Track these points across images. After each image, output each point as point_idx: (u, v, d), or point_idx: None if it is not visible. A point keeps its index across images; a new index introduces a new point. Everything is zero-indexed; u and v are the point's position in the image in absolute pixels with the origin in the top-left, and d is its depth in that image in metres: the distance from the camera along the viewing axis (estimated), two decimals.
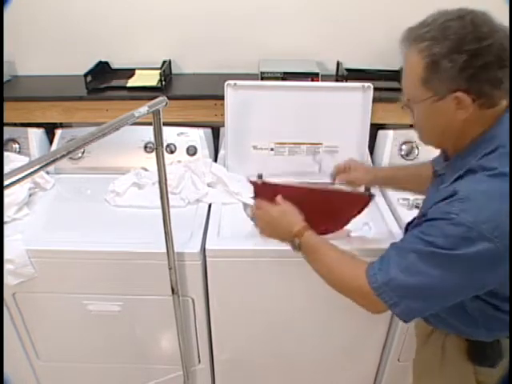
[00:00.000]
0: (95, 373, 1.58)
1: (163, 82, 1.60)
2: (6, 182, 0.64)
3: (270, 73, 1.56)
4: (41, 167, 0.71)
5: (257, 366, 1.55)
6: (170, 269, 1.18)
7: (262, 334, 1.43)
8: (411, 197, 1.44)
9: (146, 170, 1.54)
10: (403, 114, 1.60)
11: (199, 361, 1.50)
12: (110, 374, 1.59)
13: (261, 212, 1.08)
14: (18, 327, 1.41)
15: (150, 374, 1.57)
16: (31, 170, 0.69)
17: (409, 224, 1.04)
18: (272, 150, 1.53)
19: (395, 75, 1.70)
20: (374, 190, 1.24)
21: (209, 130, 1.66)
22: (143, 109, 0.96)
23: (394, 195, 1.48)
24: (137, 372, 1.57)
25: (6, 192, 0.61)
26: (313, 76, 1.57)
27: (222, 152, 1.61)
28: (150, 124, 1.52)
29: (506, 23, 0.79)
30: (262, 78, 1.56)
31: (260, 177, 1.27)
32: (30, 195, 1.47)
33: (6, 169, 1.43)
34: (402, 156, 1.62)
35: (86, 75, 1.60)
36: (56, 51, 1.75)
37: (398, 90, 1.61)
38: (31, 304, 1.36)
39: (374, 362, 1.55)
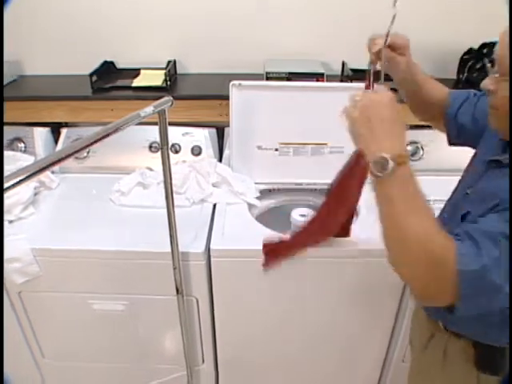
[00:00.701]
0: (99, 371, 1.59)
1: (168, 82, 1.61)
2: (12, 182, 0.65)
3: (275, 73, 1.56)
4: (47, 166, 0.72)
5: (260, 367, 1.55)
6: (174, 268, 1.19)
7: (265, 335, 1.43)
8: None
9: (150, 169, 1.55)
10: (408, 114, 1.61)
11: (203, 361, 1.50)
12: (113, 373, 1.59)
13: (366, 96, 0.81)
14: (24, 326, 1.41)
15: (154, 373, 1.57)
16: (37, 169, 0.69)
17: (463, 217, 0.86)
18: (277, 150, 1.53)
19: None
20: None
21: (213, 130, 1.66)
22: (149, 109, 0.96)
23: None
24: (140, 371, 1.57)
25: (12, 191, 0.62)
26: (318, 76, 1.57)
27: (226, 152, 1.61)
28: (155, 124, 1.52)
29: (506, 23, 0.79)
30: (267, 78, 1.56)
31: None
32: (35, 194, 1.48)
33: (12, 168, 1.43)
34: None
35: (91, 75, 1.61)
36: (62, 51, 1.76)
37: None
38: (37, 303, 1.37)
39: (378, 362, 1.55)
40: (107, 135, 0.86)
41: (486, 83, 0.79)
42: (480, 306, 0.73)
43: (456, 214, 0.88)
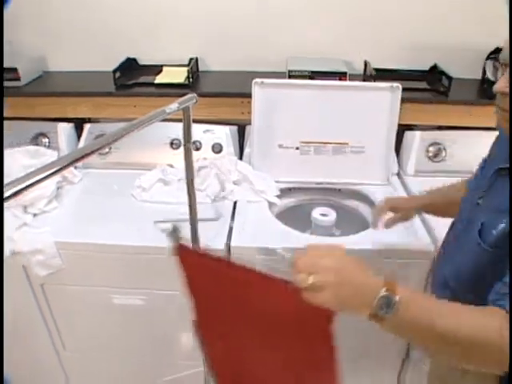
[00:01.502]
0: (118, 364, 1.60)
1: (190, 79, 1.61)
2: (41, 176, 0.66)
3: (298, 71, 1.55)
4: (74, 161, 0.73)
5: None
6: None
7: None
8: None
9: (171, 166, 1.56)
10: (432, 116, 1.60)
11: None
12: (132, 367, 1.61)
13: (319, 264, 0.65)
14: (46, 318, 1.44)
15: (171, 368, 1.58)
16: (66, 163, 0.70)
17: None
18: (297, 148, 1.53)
19: (424, 75, 1.69)
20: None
21: (234, 128, 1.66)
22: (174, 105, 0.96)
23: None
24: (158, 366, 1.58)
25: (37, 185, 0.63)
26: (341, 75, 1.56)
27: (247, 150, 1.61)
28: (176, 121, 1.53)
29: (506, 23, 0.78)
30: (290, 77, 1.55)
31: (175, 231, 0.84)
32: (58, 189, 1.50)
33: (37, 162, 1.46)
34: (429, 158, 1.60)
35: (114, 71, 1.62)
36: (85, 48, 1.78)
37: (427, 90, 1.61)
38: (59, 295, 1.39)
39: (396, 366, 1.54)
40: (133, 131, 0.86)
41: (501, 86, 0.75)
42: None
43: (470, 226, 0.85)
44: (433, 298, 0.70)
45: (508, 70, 0.74)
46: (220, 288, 0.81)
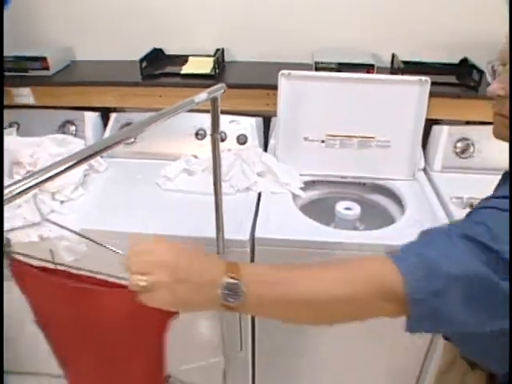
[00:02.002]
0: None
1: (216, 70, 1.61)
2: (70, 164, 0.66)
3: (325, 63, 1.54)
4: (102, 150, 0.73)
5: (297, 360, 1.55)
6: (218, 254, 1.19)
7: (305, 328, 1.43)
8: (465, 195, 1.40)
9: (195, 157, 1.56)
10: (460, 110, 1.57)
11: (241, 348, 1.51)
12: None
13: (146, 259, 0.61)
14: None
15: (191, 357, 1.59)
16: (92, 153, 0.70)
17: None
18: (323, 142, 1.52)
19: (454, 69, 1.66)
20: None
21: (260, 119, 1.65)
22: (203, 95, 0.96)
23: (447, 192, 1.44)
24: (178, 354, 1.60)
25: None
26: (368, 68, 1.54)
27: (272, 142, 1.61)
28: (201, 111, 1.54)
29: (506, 23, 0.75)
30: (316, 69, 1.54)
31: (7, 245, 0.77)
32: (85, 176, 1.52)
33: (64, 151, 1.48)
34: (456, 154, 1.57)
35: (141, 61, 1.63)
36: (112, 37, 1.80)
37: (457, 84, 1.58)
38: None
39: (414, 373, 1.52)
40: (161, 120, 0.86)
41: (494, 88, 0.70)
42: None
43: None
44: (283, 267, 0.64)
45: (503, 71, 0.70)
46: (59, 302, 0.80)
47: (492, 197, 0.68)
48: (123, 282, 0.66)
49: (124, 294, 0.63)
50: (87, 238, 0.77)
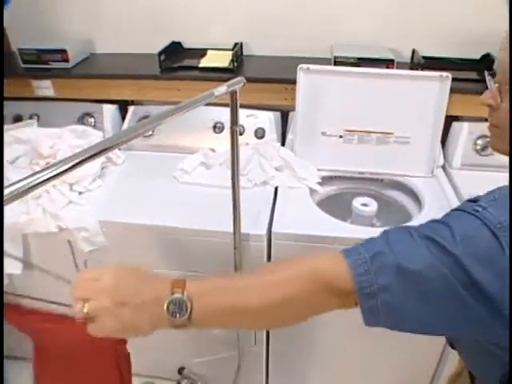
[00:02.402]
0: (151, 343, 1.63)
1: (235, 64, 1.61)
2: (90, 154, 0.67)
3: (344, 58, 1.53)
4: (121, 142, 0.73)
5: (312, 355, 1.55)
6: (235, 248, 1.20)
7: (319, 324, 1.42)
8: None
9: (213, 150, 1.56)
10: (481, 107, 1.54)
11: (255, 342, 1.51)
12: (164, 346, 1.64)
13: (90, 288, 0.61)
14: None
15: (205, 350, 1.60)
16: (111, 145, 0.70)
17: None
18: (341, 137, 1.51)
19: (475, 65, 1.63)
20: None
21: (278, 114, 1.65)
22: (222, 88, 0.96)
23: (466, 190, 1.42)
24: (194, 347, 1.61)
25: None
26: (388, 63, 1.52)
27: (289, 137, 1.60)
28: (219, 105, 1.54)
29: (506, 23, 0.73)
30: (335, 63, 1.53)
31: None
32: (103, 168, 1.53)
33: (83, 142, 1.49)
34: (476, 151, 1.54)
35: (160, 54, 1.63)
36: (131, 30, 1.80)
37: (478, 80, 1.56)
38: None
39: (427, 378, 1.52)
40: (180, 113, 0.86)
41: (487, 97, 0.70)
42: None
43: None
44: (225, 277, 0.65)
45: (495, 85, 0.69)
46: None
47: (468, 200, 0.65)
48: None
49: (74, 325, 0.61)
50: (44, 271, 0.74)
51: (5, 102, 1.74)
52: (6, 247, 1.34)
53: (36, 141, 1.44)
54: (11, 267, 1.35)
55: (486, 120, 1.60)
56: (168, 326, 0.59)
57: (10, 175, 1.37)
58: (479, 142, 1.54)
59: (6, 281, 1.48)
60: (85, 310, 0.58)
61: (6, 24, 1.85)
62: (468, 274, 0.55)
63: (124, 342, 0.75)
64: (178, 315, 0.58)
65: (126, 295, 0.59)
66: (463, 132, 1.55)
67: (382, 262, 0.59)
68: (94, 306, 0.58)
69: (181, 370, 1.69)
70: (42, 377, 0.88)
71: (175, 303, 0.58)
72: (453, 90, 1.44)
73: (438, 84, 1.43)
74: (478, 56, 1.63)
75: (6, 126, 1.67)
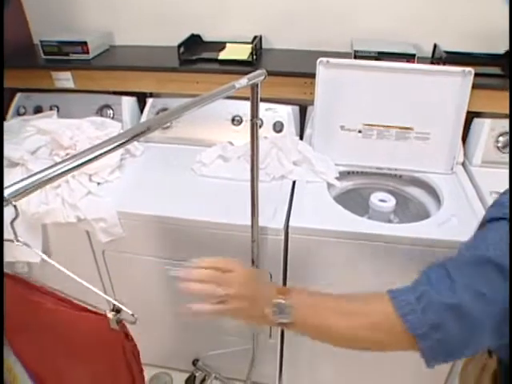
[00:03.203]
0: (167, 334, 1.65)
1: (254, 57, 1.60)
2: (110, 146, 0.67)
3: (364, 52, 1.51)
4: (140, 133, 0.73)
5: (326, 349, 1.54)
6: (253, 241, 1.20)
7: None
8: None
9: (231, 143, 1.56)
10: (504, 103, 1.51)
11: (270, 336, 1.52)
12: (179, 338, 1.65)
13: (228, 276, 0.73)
14: (104, 282, 1.50)
15: (221, 342, 1.61)
16: (130, 136, 0.71)
17: None
18: (360, 132, 1.49)
19: (498, 60, 1.60)
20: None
21: (296, 108, 1.64)
22: (243, 80, 0.96)
23: (486, 188, 1.40)
24: (208, 339, 1.62)
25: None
26: (409, 57, 1.50)
27: (308, 131, 1.59)
28: (237, 98, 1.54)
29: (503, 25, 0.71)
30: (356, 57, 1.51)
31: None
32: (121, 160, 1.54)
33: (102, 134, 1.50)
34: (498, 148, 1.52)
35: (179, 46, 1.64)
36: (151, 23, 1.81)
37: (501, 76, 1.53)
38: (118, 262, 1.44)
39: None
40: (201, 105, 0.86)
41: None
42: None
43: None
44: (323, 297, 0.74)
45: None
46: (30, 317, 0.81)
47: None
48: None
49: (87, 318, 0.71)
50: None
51: (26, 94, 1.77)
52: (25, 236, 1.36)
53: (56, 132, 1.46)
54: (30, 256, 1.37)
55: (507, 116, 1.58)
56: (270, 323, 0.72)
57: (31, 166, 1.39)
58: (501, 139, 1.52)
59: (24, 269, 1.51)
60: (222, 292, 0.70)
61: (28, 17, 1.88)
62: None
63: (127, 338, 0.76)
64: (278, 317, 0.70)
65: (249, 291, 0.73)
66: (485, 128, 1.53)
67: (426, 303, 0.63)
68: (229, 292, 0.71)
69: (195, 362, 1.71)
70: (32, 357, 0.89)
71: (277, 307, 0.70)
72: (475, 86, 1.41)
73: (459, 79, 1.41)
74: (501, 51, 1.60)
75: (26, 117, 1.69)
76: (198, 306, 0.72)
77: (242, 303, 0.71)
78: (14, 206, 0.53)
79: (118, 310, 0.73)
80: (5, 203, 0.51)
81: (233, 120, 1.60)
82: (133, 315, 0.72)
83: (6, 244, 0.68)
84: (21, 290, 0.78)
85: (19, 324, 0.82)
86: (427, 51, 1.66)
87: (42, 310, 0.77)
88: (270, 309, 0.70)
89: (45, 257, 0.78)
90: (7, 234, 0.67)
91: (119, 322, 0.74)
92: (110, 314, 0.73)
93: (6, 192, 0.52)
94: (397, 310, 0.64)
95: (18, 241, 0.69)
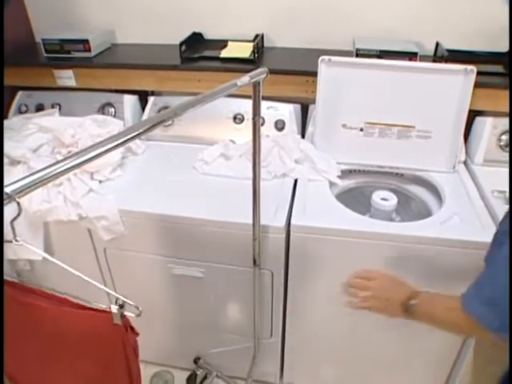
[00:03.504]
0: (168, 332, 1.65)
1: (256, 55, 1.60)
2: (117, 142, 0.67)
3: (366, 50, 1.51)
4: (143, 131, 0.73)
5: (327, 348, 1.55)
6: (254, 240, 1.20)
7: (336, 317, 1.42)
8: (507, 189, 1.35)
9: (233, 142, 1.56)
10: (507, 102, 1.51)
11: (271, 334, 1.52)
12: (181, 336, 1.66)
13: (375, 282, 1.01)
14: (106, 280, 1.50)
15: (222, 341, 1.61)
16: (132, 134, 0.71)
17: None
18: (362, 130, 1.49)
19: (501, 58, 1.59)
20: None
21: (298, 106, 1.64)
22: (245, 78, 0.96)
23: (488, 186, 1.40)
24: (209, 337, 1.62)
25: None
26: (411, 56, 1.50)
27: (309, 129, 1.59)
28: (239, 96, 1.54)
29: (506, 23, 0.71)
30: (358, 55, 1.51)
31: None
32: (123, 158, 1.54)
33: (104, 131, 1.50)
34: (500, 147, 1.51)
35: (181, 44, 1.64)
36: (152, 21, 1.81)
37: (503, 74, 1.52)
38: (119, 260, 1.44)
39: (449, 360, 1.50)
40: (204, 102, 0.86)
41: None
42: None
43: None
44: (440, 296, 0.91)
45: None
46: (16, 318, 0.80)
47: None
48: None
49: (80, 314, 0.73)
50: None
51: (28, 92, 1.77)
52: (27, 234, 1.36)
53: (58, 130, 1.46)
54: (31, 253, 1.38)
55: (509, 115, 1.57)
56: (398, 317, 0.94)
57: (32, 164, 1.40)
58: (503, 137, 1.51)
59: (26, 267, 1.51)
60: (362, 295, 1.00)
61: (30, 15, 1.88)
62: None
63: (132, 331, 0.77)
64: (405, 314, 0.92)
65: (387, 293, 0.98)
66: (487, 127, 1.52)
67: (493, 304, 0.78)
68: (366, 295, 0.99)
69: (196, 360, 1.71)
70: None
71: (406, 306, 0.91)
72: (477, 84, 1.41)
73: (462, 77, 1.41)
74: (503, 49, 1.60)
75: (28, 115, 1.69)
76: (349, 300, 1.02)
77: (378, 303, 0.98)
78: (18, 203, 0.53)
79: (121, 305, 0.73)
80: (8, 199, 0.51)
81: (234, 118, 1.60)
82: (137, 308, 0.73)
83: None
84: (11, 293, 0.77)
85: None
86: (429, 49, 1.66)
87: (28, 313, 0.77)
88: (401, 308, 0.92)
89: (45, 255, 0.78)
90: (8, 232, 0.67)
91: (123, 316, 0.73)
92: (114, 309, 0.73)
93: (10, 188, 0.52)
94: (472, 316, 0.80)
95: (16, 240, 0.69)
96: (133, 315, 0.77)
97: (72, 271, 0.73)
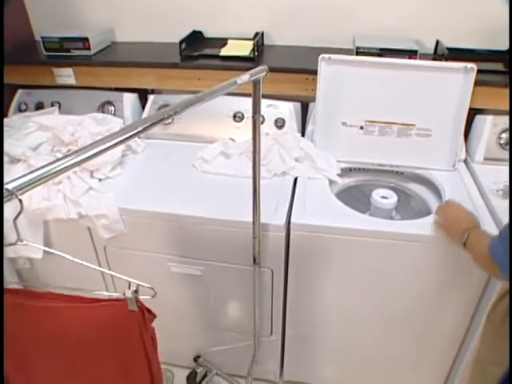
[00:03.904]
0: (167, 330, 1.65)
1: (256, 53, 1.60)
2: (117, 140, 0.67)
3: (366, 48, 1.50)
4: (143, 129, 0.73)
5: (327, 346, 1.55)
6: (254, 238, 1.20)
7: (335, 315, 1.43)
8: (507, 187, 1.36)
9: (233, 140, 1.56)
10: (507, 100, 1.51)
11: (271, 333, 1.52)
12: (181, 334, 1.66)
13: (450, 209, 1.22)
14: (106, 278, 1.50)
15: (222, 339, 1.61)
16: (132, 132, 0.71)
17: None
18: (362, 128, 1.49)
19: (501, 56, 1.59)
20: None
21: (298, 104, 1.64)
22: (245, 76, 0.96)
23: (488, 184, 1.40)
24: (209, 336, 1.62)
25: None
26: (411, 54, 1.49)
27: (309, 128, 1.59)
28: (239, 94, 1.54)
29: (506, 21, 0.71)
30: (358, 54, 1.51)
31: None
32: (123, 156, 1.54)
33: (104, 129, 1.50)
34: (500, 145, 1.51)
35: (181, 42, 1.64)
36: (152, 20, 1.81)
37: (504, 72, 1.52)
38: (119, 258, 1.44)
39: (448, 359, 1.50)
40: (205, 100, 0.86)
41: None
42: None
43: None
44: (484, 239, 1.01)
45: None
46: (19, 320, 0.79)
47: None
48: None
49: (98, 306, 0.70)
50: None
51: (27, 90, 1.77)
52: (27, 232, 1.36)
53: (58, 128, 1.46)
54: (32, 252, 1.38)
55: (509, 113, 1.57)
56: (455, 241, 1.10)
57: (32, 162, 1.39)
58: (503, 135, 1.51)
59: (26, 265, 1.51)
60: (439, 218, 1.21)
61: (30, 13, 1.88)
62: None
63: (149, 313, 0.75)
64: (460, 240, 1.07)
65: (453, 223, 1.16)
66: (487, 125, 1.52)
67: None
68: (439, 215, 1.22)
69: (196, 358, 1.71)
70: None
71: (462, 235, 1.07)
72: (477, 82, 1.41)
73: (462, 76, 1.40)
74: (504, 47, 1.60)
75: (28, 113, 1.69)
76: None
77: (446, 223, 1.18)
78: (20, 200, 0.53)
79: (135, 290, 0.72)
80: (10, 196, 0.51)
81: (234, 116, 1.60)
82: (152, 289, 0.72)
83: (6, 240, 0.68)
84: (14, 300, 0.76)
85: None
86: (429, 48, 1.66)
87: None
88: (458, 236, 1.08)
89: (49, 249, 0.77)
90: (8, 230, 0.67)
91: (137, 301, 0.73)
92: (129, 293, 0.71)
93: (11, 185, 0.52)
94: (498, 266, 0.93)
95: (21, 241, 0.68)
96: (148, 297, 0.74)
97: (80, 262, 0.73)
